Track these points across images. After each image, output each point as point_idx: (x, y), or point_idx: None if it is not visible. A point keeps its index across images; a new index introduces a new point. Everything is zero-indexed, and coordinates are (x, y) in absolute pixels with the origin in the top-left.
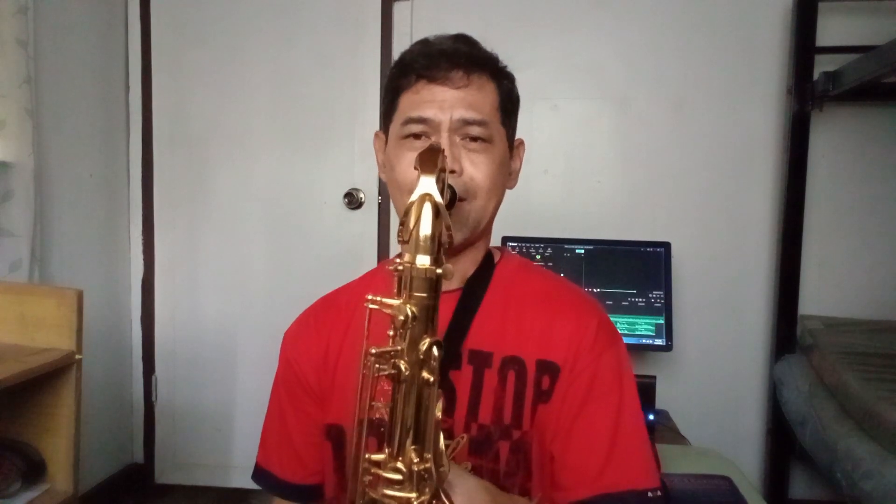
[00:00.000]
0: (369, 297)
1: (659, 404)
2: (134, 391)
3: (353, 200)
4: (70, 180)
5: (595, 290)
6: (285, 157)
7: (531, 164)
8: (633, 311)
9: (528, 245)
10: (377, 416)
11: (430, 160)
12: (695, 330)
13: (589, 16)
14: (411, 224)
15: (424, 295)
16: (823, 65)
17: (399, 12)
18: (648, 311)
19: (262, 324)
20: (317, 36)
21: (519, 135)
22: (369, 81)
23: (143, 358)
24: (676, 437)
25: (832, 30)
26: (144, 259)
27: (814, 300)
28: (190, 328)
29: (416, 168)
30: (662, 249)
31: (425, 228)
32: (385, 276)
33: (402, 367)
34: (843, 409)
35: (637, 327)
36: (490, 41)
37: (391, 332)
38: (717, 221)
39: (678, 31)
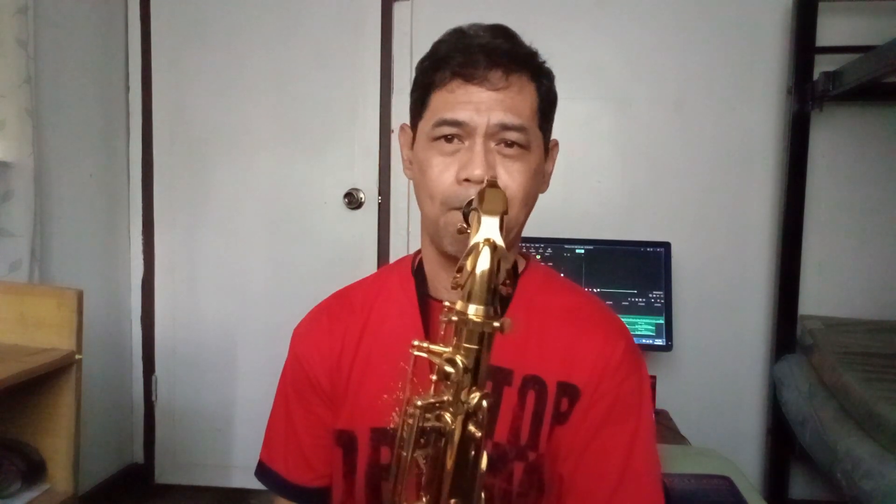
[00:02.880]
0: (415, 343)
1: (659, 404)
2: (134, 391)
3: (353, 200)
4: (70, 180)
5: (595, 290)
6: (285, 157)
7: None
8: (633, 311)
9: (528, 245)
10: (391, 425)
11: (495, 200)
12: (695, 330)
13: (589, 16)
14: (468, 268)
15: (476, 347)
16: (823, 65)
17: (399, 12)
18: (648, 311)
19: (262, 323)
20: (317, 36)
21: None
22: (369, 81)
23: (143, 358)
24: (676, 437)
25: (832, 30)
26: (144, 259)
27: (814, 300)
28: (190, 328)
29: (473, 208)
30: (662, 249)
31: (485, 277)
32: (401, 276)
33: (449, 420)
34: (843, 409)
35: (637, 327)
36: None
37: (434, 377)
38: (717, 221)
39: (678, 31)
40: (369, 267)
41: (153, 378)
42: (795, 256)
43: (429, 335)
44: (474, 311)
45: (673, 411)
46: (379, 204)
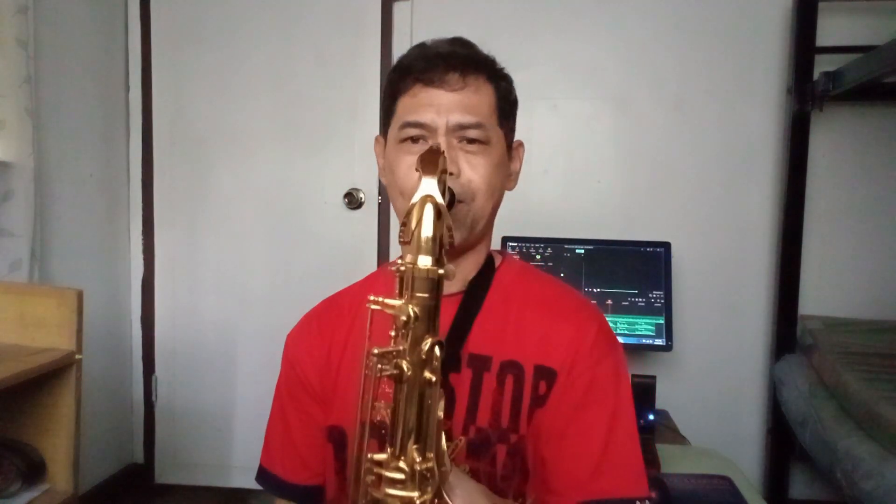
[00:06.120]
0: (371, 297)
1: (659, 404)
2: (134, 391)
3: (353, 200)
4: (70, 180)
5: (595, 290)
6: (285, 157)
7: (531, 164)
8: (633, 311)
9: (528, 245)
10: (378, 417)
11: (431, 161)
12: (695, 330)
13: (589, 16)
14: (413, 225)
15: (426, 295)
16: (823, 65)
17: (399, 12)
18: (648, 311)
19: (262, 323)
20: (317, 36)
21: (519, 135)
22: (369, 81)
23: (143, 358)
24: (676, 437)
25: (832, 30)
26: (144, 259)
27: (814, 300)
28: (190, 328)
29: (417, 169)
30: (662, 249)
31: (427, 229)
32: (387, 278)
33: (405, 367)
34: (843, 409)
35: (637, 327)
36: (490, 41)
37: (393, 333)
38: (717, 221)
39: (678, 31)
40: (369, 267)
41: (153, 378)
42: (795, 256)
43: None
44: (421, 262)
45: (673, 411)
46: (379, 204)
